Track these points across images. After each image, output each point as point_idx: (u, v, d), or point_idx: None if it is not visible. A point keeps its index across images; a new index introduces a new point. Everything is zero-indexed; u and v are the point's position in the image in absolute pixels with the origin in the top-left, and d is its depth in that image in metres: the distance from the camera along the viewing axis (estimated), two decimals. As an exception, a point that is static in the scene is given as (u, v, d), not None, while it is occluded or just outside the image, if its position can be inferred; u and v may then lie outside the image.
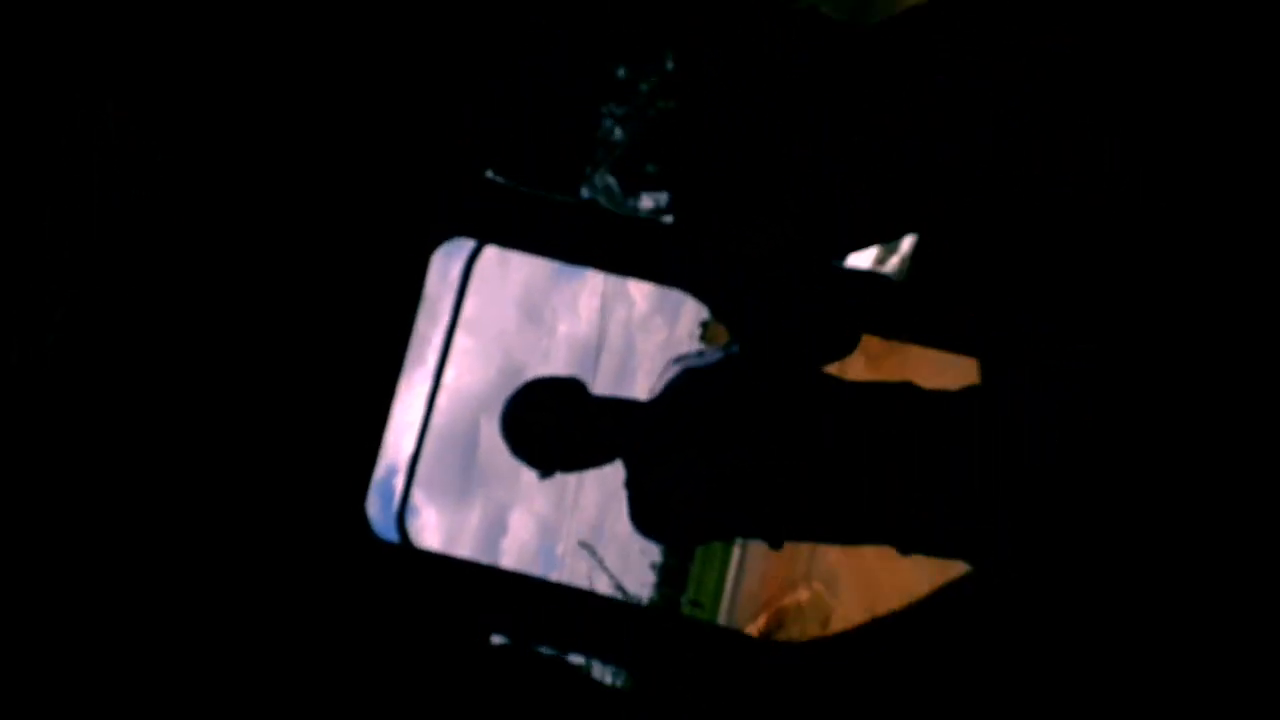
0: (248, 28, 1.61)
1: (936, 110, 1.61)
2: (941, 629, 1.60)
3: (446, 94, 1.70)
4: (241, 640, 1.61)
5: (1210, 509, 1.39)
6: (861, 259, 2.08)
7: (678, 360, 1.57)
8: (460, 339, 1.97)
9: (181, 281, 1.61)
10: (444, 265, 1.85)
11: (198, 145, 1.61)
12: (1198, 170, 1.53)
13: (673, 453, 1.45)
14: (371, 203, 1.68)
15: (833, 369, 1.53)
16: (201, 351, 1.62)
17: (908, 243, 1.96)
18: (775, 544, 1.54)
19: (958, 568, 1.52)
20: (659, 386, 1.54)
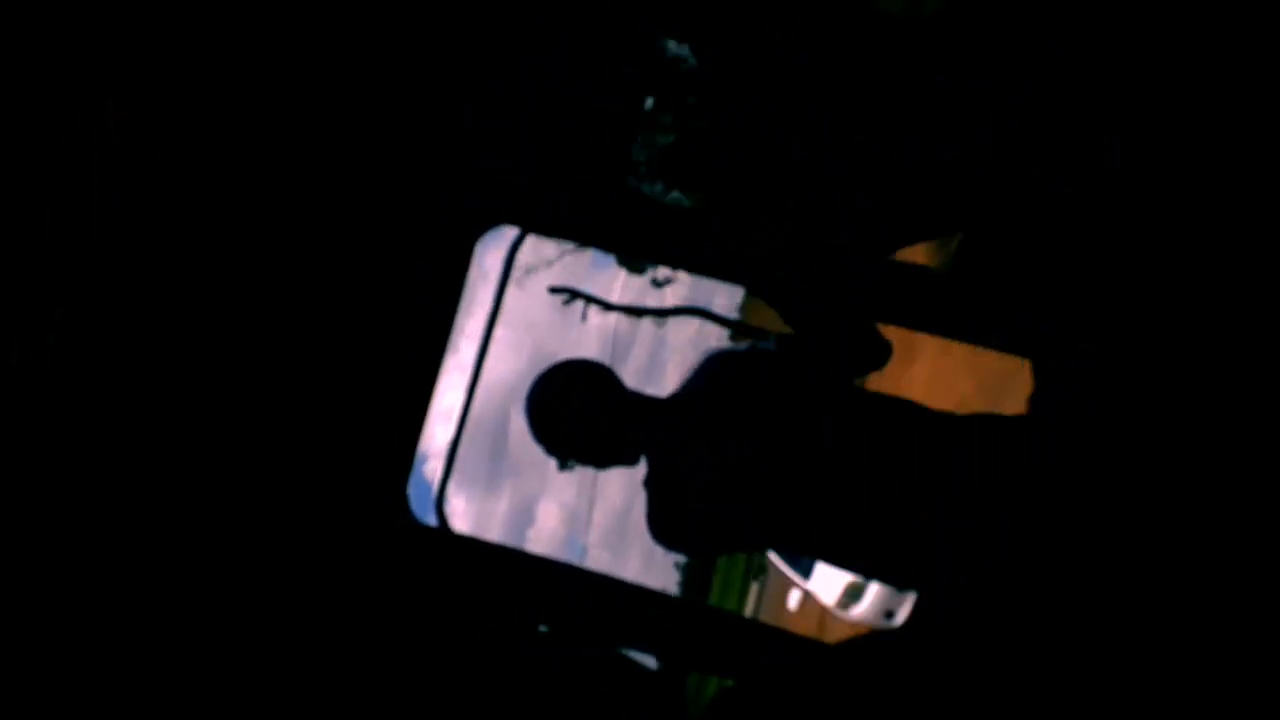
0: (252, 25, 1.62)
1: (936, 110, 1.59)
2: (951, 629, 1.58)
3: (477, 82, 1.71)
4: (285, 620, 1.64)
5: (1210, 509, 1.37)
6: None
7: (709, 353, 1.56)
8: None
9: (179, 269, 1.63)
10: (480, 254, 1.86)
11: (198, 145, 1.61)
12: (1198, 170, 1.50)
13: (687, 446, 1.43)
14: (412, 194, 1.70)
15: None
16: (199, 335, 1.63)
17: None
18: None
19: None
20: (684, 378, 1.53)
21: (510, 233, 1.83)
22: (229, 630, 1.61)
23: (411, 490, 1.74)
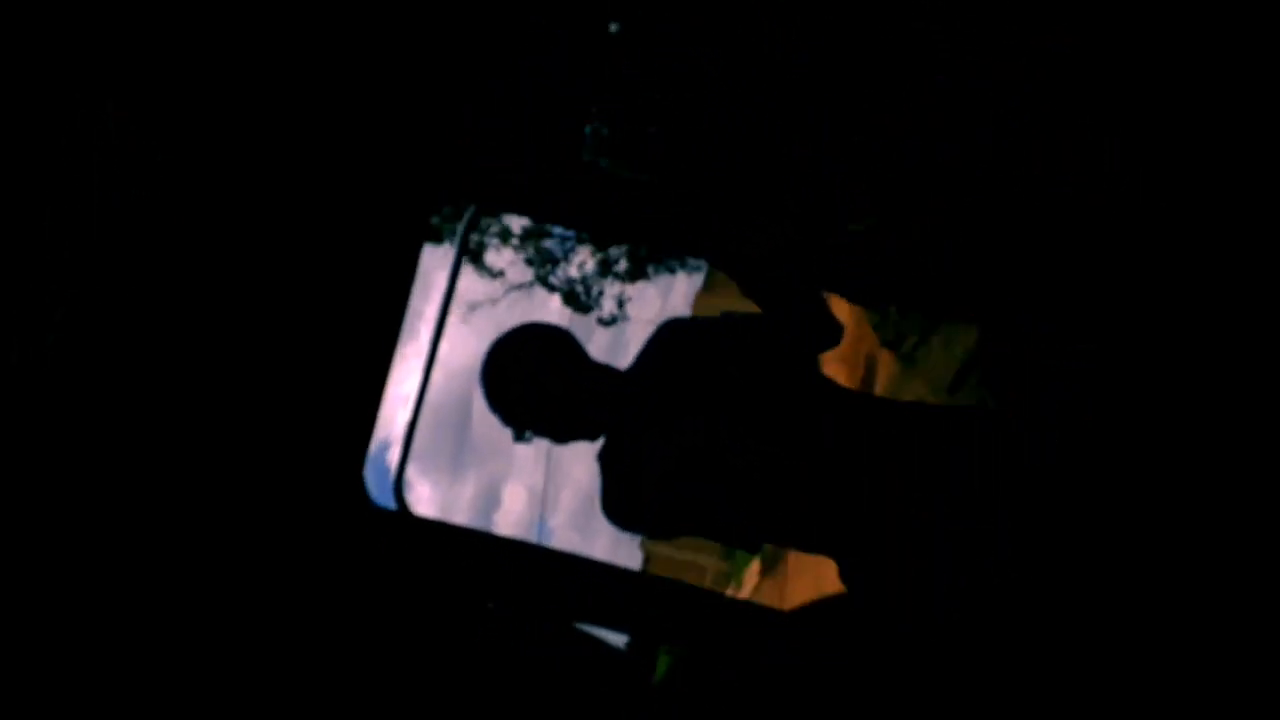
0: (246, 25, 1.59)
1: (936, 110, 1.60)
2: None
3: (436, 63, 1.68)
4: (245, 611, 1.62)
5: (1210, 510, 1.39)
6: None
7: (666, 322, 1.53)
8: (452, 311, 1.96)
9: (179, 269, 1.60)
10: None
11: (197, 144, 1.59)
12: (1197, 168, 1.52)
13: (643, 419, 1.39)
14: (363, 170, 1.67)
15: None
16: (199, 334, 1.62)
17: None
18: (750, 548, 1.50)
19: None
20: (642, 348, 1.50)
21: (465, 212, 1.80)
22: (189, 621, 1.59)
23: (373, 476, 1.72)
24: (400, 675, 1.63)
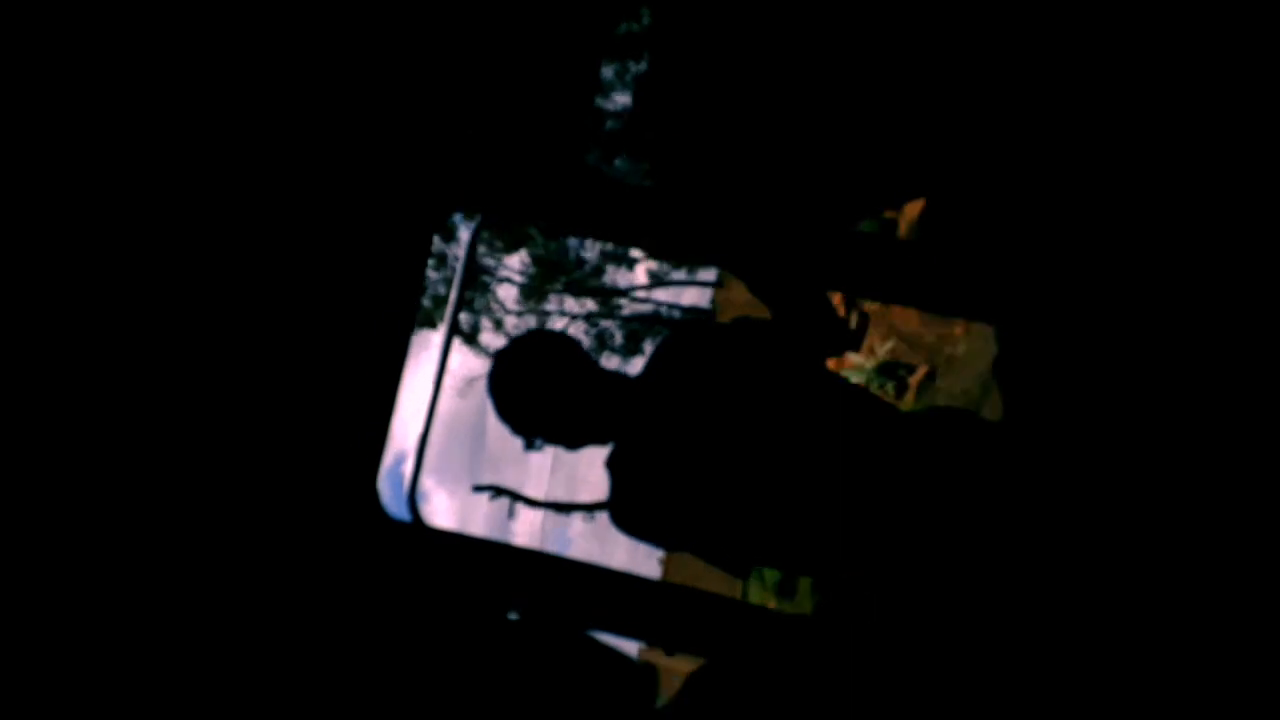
0: (248, 32, 1.59)
1: (901, 78, 1.59)
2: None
3: (441, 70, 1.68)
4: (261, 623, 1.62)
5: (1210, 511, 1.37)
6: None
7: (675, 333, 1.53)
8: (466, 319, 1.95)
9: (182, 273, 1.60)
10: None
11: (196, 138, 1.59)
12: (1172, 135, 1.51)
13: (653, 428, 1.38)
14: (370, 183, 1.67)
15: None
16: (203, 343, 1.62)
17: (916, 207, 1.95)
18: (739, 573, 1.48)
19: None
20: (650, 358, 1.49)
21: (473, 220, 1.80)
22: (201, 631, 1.59)
23: (387, 487, 1.72)
24: (415, 686, 1.62)
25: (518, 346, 1.42)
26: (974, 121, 1.62)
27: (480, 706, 1.60)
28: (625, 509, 1.42)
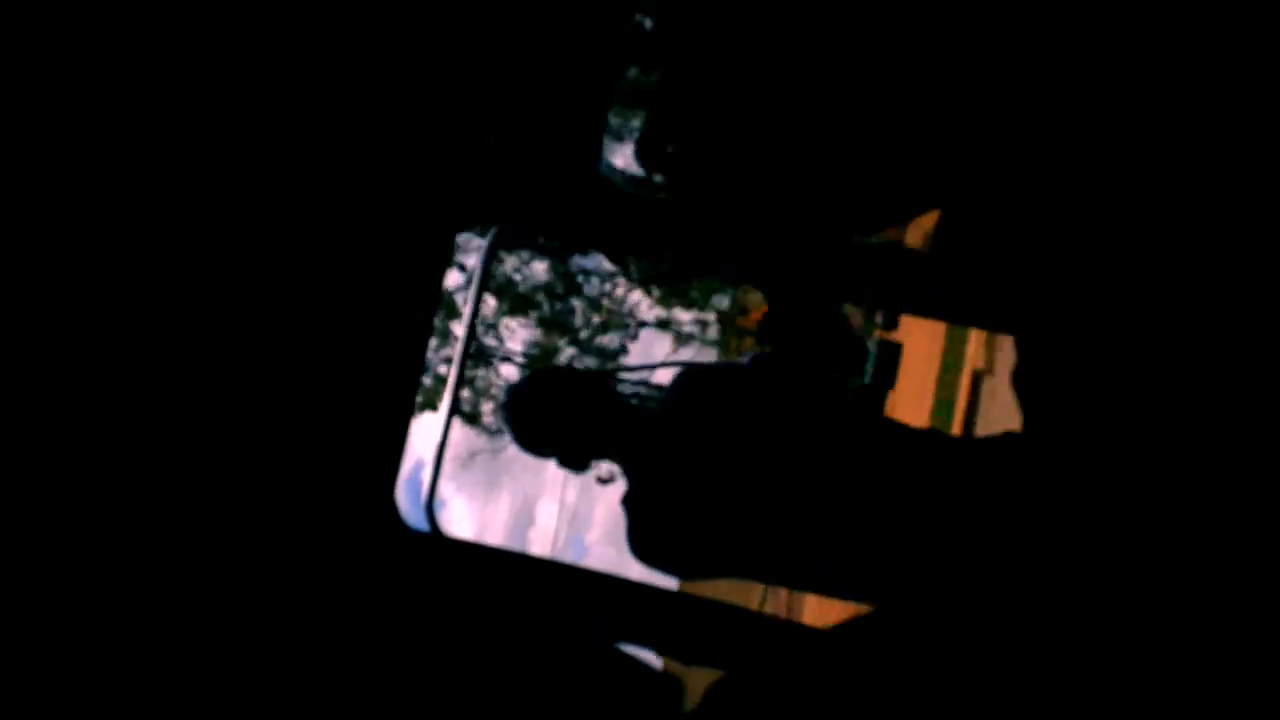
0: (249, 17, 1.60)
1: (912, 86, 1.59)
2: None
3: (455, 79, 1.69)
4: (277, 632, 1.63)
5: (1229, 521, 1.36)
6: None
7: (686, 370, 1.54)
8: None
9: (202, 282, 1.62)
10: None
11: (200, 141, 1.60)
12: (1185, 144, 1.50)
13: (667, 463, 1.40)
14: (389, 193, 1.68)
15: None
16: (222, 352, 1.63)
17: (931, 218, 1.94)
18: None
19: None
20: (664, 396, 1.51)
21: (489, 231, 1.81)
22: (219, 638, 1.60)
23: (407, 498, 1.73)
24: (434, 696, 1.63)
25: (531, 382, 1.45)
26: (990, 131, 1.61)
27: (500, 717, 1.60)
28: (644, 544, 1.44)
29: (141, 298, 1.59)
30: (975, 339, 5.77)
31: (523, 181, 1.72)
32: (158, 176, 1.59)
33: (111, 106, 1.54)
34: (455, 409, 1.86)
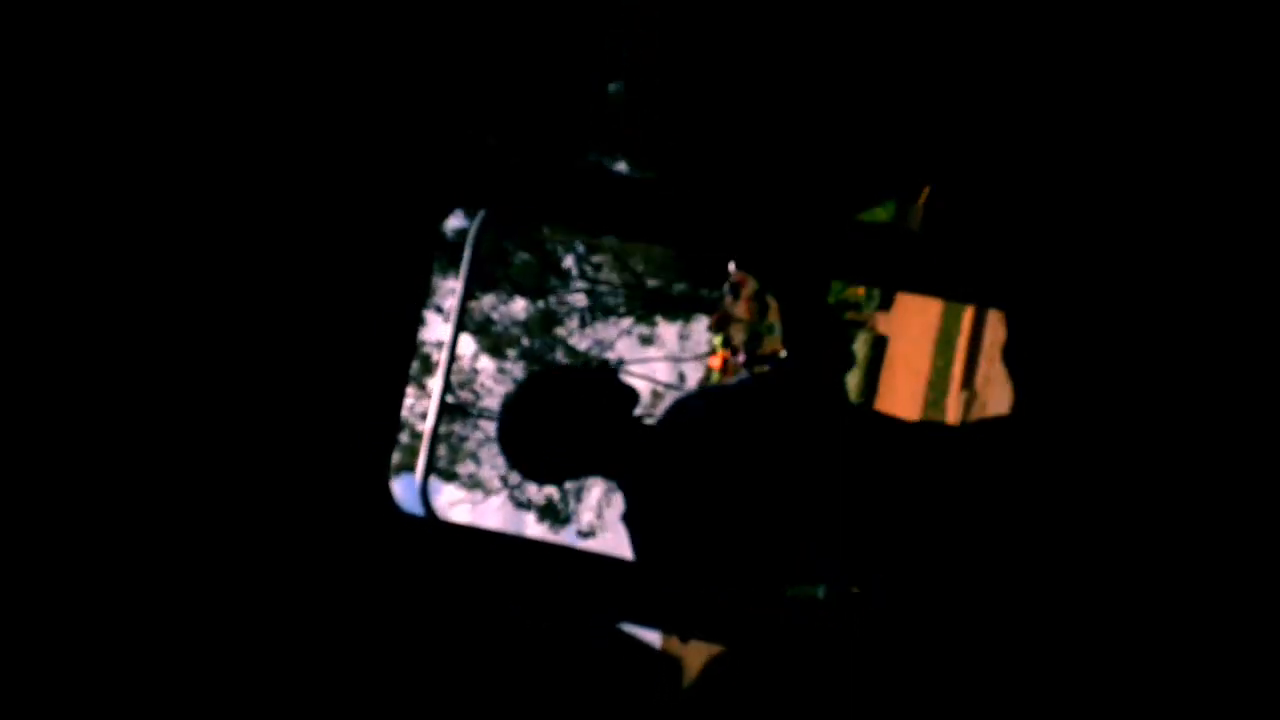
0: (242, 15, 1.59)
1: (899, 64, 1.58)
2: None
3: (444, 65, 1.68)
4: (273, 618, 1.63)
5: (1220, 505, 1.36)
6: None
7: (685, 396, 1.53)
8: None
9: (191, 272, 1.61)
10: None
11: (197, 135, 1.59)
12: (1174, 115, 1.49)
13: (672, 481, 1.40)
14: (377, 179, 1.67)
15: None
16: (213, 341, 1.62)
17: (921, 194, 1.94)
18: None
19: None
20: (661, 415, 1.51)
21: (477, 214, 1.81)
22: (214, 628, 1.60)
23: (400, 484, 1.73)
24: (432, 681, 1.63)
25: (528, 390, 1.43)
26: (979, 105, 1.61)
27: (499, 700, 1.61)
28: (651, 559, 1.45)
29: (137, 290, 1.59)
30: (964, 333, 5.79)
31: (511, 163, 1.71)
32: (154, 171, 1.57)
33: (104, 93, 1.53)
34: (447, 391, 1.86)
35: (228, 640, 1.60)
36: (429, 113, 1.68)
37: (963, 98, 1.60)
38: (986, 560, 1.40)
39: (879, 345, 8.32)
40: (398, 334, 1.70)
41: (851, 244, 1.65)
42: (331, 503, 1.66)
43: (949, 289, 1.66)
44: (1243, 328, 1.42)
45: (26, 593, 1.55)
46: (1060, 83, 1.56)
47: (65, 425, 1.57)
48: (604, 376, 1.49)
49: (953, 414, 5.86)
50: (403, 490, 1.76)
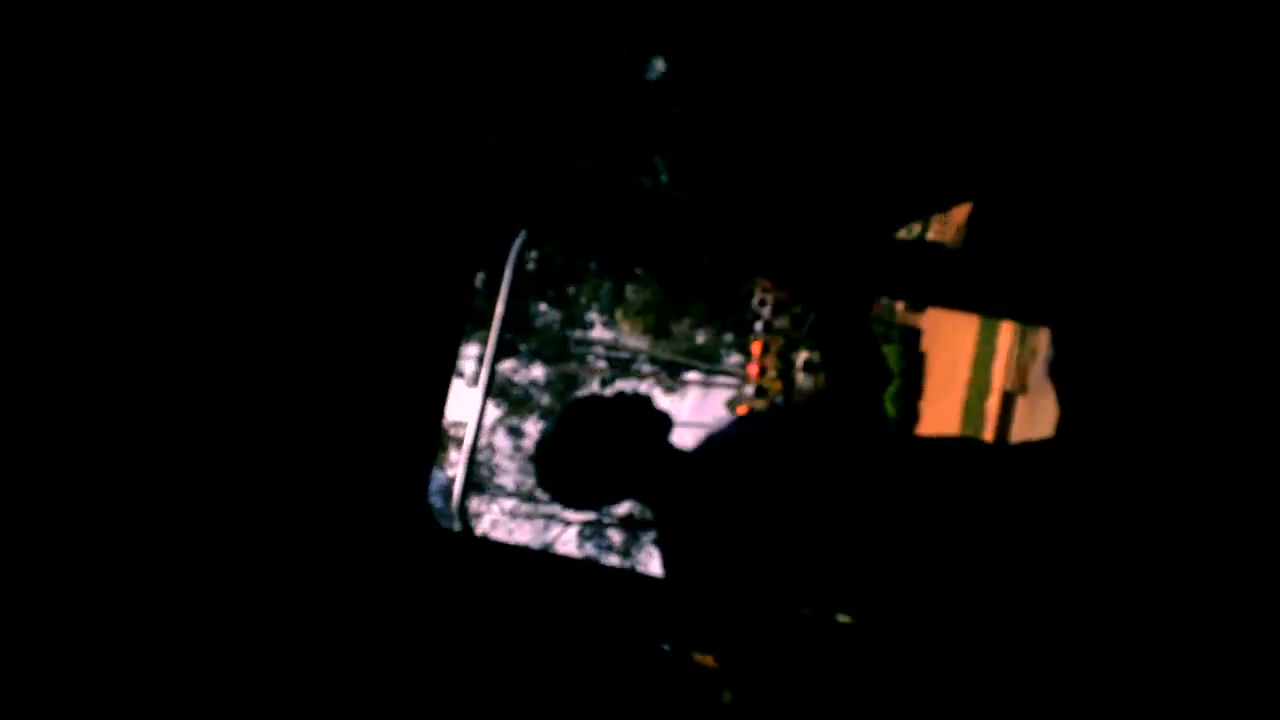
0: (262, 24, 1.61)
1: (937, 81, 1.58)
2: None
3: (478, 83, 1.70)
4: (309, 631, 1.64)
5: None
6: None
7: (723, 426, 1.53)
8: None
9: (236, 285, 1.64)
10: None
11: (202, 146, 1.62)
12: (1215, 132, 1.47)
13: (710, 509, 1.40)
14: (424, 198, 1.69)
15: None
16: (256, 354, 1.64)
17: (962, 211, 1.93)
18: None
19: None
20: (698, 441, 1.51)
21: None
22: (249, 639, 1.62)
23: (437, 498, 1.73)
24: (467, 696, 1.63)
25: (575, 417, 1.44)
26: (1021, 121, 1.60)
27: (534, 715, 1.60)
28: (680, 580, 1.45)
29: (178, 302, 1.62)
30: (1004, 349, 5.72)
31: (548, 185, 1.72)
32: (192, 186, 1.60)
33: (154, 113, 1.56)
34: (486, 406, 1.87)
35: (260, 650, 1.62)
36: (465, 132, 1.70)
37: (1004, 113, 1.59)
38: (1026, 591, 1.37)
39: (911, 343, 8.20)
40: (440, 348, 1.71)
41: (892, 261, 1.64)
42: (371, 517, 1.68)
43: (991, 306, 1.64)
44: None
45: (56, 598, 1.57)
46: (1105, 101, 1.55)
47: (100, 432, 1.59)
48: (638, 402, 1.50)
49: (992, 420, 5.77)
50: (440, 506, 1.77)
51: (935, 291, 1.65)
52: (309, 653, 1.62)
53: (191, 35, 1.58)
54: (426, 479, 1.72)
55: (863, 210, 1.72)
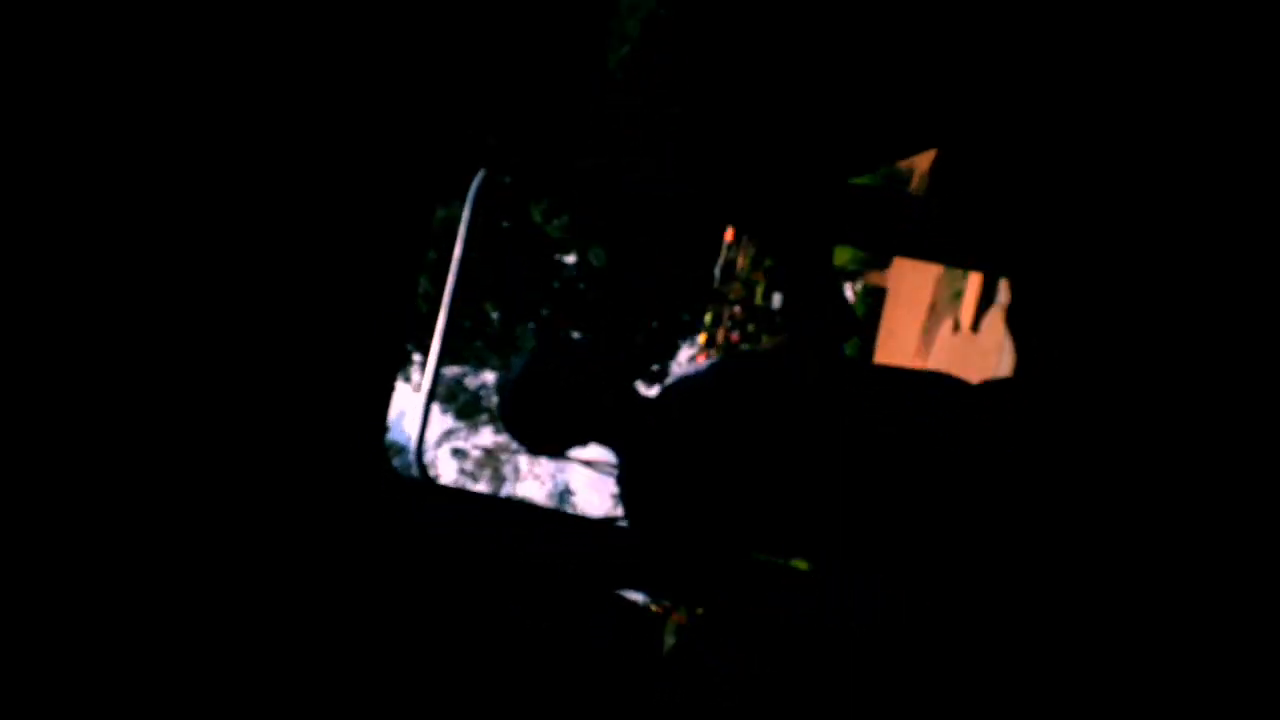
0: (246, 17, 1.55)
1: (904, 28, 1.55)
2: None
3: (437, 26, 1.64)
4: (269, 584, 1.63)
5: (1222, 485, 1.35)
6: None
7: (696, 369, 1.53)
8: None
9: (187, 239, 1.58)
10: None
11: (196, 129, 1.56)
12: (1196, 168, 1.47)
13: (678, 448, 1.40)
14: (373, 147, 1.64)
15: None
16: (208, 309, 1.60)
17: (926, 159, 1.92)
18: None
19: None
20: (664, 385, 1.50)
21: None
22: (214, 597, 1.60)
23: (406, 446, 1.71)
24: (427, 641, 1.64)
25: (538, 361, 1.42)
26: (986, 69, 1.58)
27: (491, 658, 1.61)
28: (650, 527, 1.45)
29: (136, 268, 1.56)
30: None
31: (511, 120, 1.67)
32: (154, 162, 1.54)
33: (108, 88, 1.49)
34: (443, 354, 1.84)
35: (225, 607, 1.60)
36: (425, 71, 1.64)
37: (969, 64, 1.57)
38: (986, 546, 1.39)
39: (875, 297, 8.28)
40: (393, 297, 1.68)
41: (856, 207, 1.63)
42: (327, 467, 1.65)
43: (954, 255, 1.65)
44: (1253, 310, 1.41)
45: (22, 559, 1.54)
46: (1070, 53, 1.53)
47: (63, 404, 1.55)
48: (604, 345, 1.48)
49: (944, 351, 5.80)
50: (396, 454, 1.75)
51: (897, 239, 1.65)
52: (265, 606, 1.61)
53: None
54: (382, 428, 1.70)
55: (826, 154, 1.70)
